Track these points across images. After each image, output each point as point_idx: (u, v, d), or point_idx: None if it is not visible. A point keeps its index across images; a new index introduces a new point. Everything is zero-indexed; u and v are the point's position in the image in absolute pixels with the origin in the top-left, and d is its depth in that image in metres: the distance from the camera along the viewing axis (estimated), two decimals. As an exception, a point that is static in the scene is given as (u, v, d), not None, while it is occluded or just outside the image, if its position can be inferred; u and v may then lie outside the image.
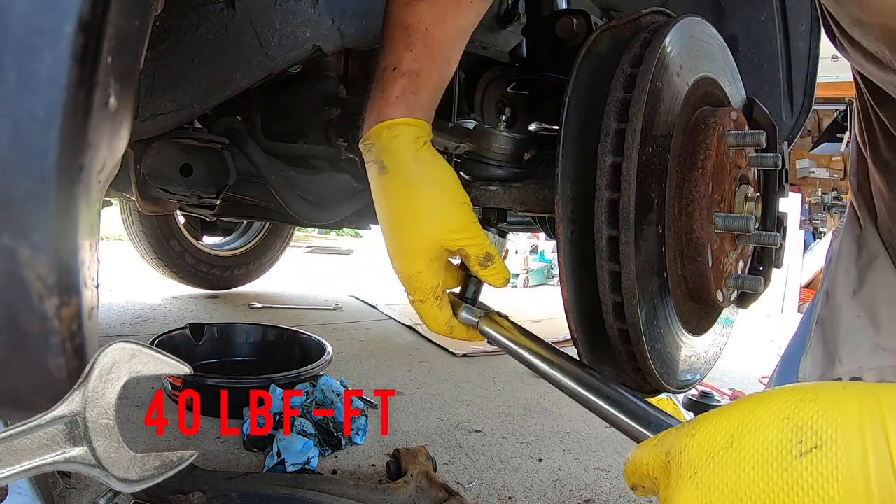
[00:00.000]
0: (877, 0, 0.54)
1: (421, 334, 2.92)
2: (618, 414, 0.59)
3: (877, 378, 0.72)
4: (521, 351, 0.67)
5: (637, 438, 0.55)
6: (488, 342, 0.72)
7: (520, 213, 0.81)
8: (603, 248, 0.67)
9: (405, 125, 0.64)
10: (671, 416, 0.54)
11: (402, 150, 0.63)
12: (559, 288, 0.72)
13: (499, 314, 0.73)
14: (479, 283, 0.74)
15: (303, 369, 1.79)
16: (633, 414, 0.58)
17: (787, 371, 0.81)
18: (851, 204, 0.87)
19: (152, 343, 1.85)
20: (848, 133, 5.93)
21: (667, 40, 0.70)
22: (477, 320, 0.72)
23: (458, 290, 0.74)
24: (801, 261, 4.91)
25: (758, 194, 0.83)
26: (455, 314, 0.71)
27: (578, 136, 0.71)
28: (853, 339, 0.75)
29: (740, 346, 2.97)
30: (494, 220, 0.79)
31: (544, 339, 0.69)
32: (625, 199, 0.65)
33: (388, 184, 0.64)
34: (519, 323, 0.72)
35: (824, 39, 0.80)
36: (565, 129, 0.70)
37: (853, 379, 0.73)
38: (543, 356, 0.66)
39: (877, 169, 0.79)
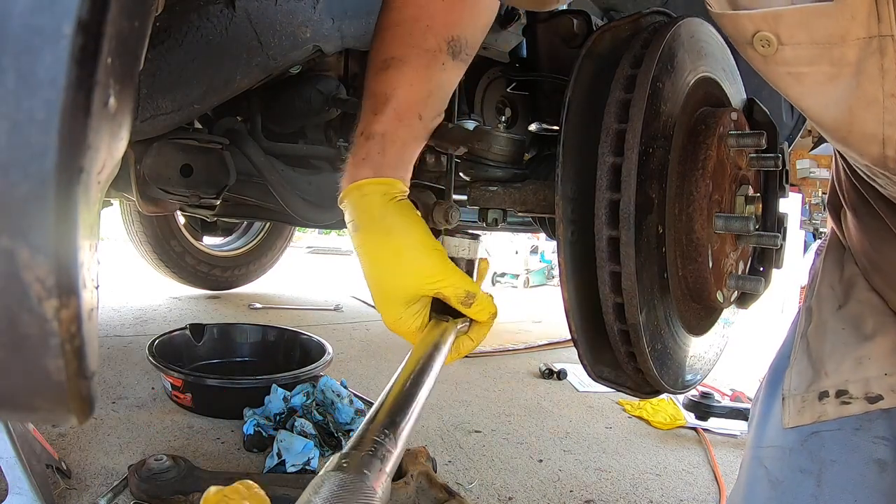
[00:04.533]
0: (857, 144, 0.57)
1: (421, 335, 2.92)
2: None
3: (862, 390, 0.72)
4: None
5: None
6: None
7: (520, 214, 0.81)
8: (603, 249, 0.67)
9: (371, 184, 0.67)
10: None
11: (370, 208, 0.66)
12: (559, 288, 0.72)
13: (457, 319, 0.70)
14: None
15: (303, 370, 1.79)
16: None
17: (775, 382, 0.82)
18: (833, 230, 0.88)
19: (152, 343, 1.85)
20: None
21: (667, 41, 0.70)
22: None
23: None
24: (802, 261, 4.91)
25: (758, 195, 0.83)
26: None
27: (579, 136, 0.71)
28: (838, 352, 0.76)
29: (741, 346, 2.97)
30: (497, 217, 0.78)
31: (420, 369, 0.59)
32: (625, 199, 0.65)
33: (362, 239, 0.67)
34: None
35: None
36: (565, 129, 0.70)
37: (839, 392, 0.73)
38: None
39: (847, 208, 0.81)
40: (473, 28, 0.74)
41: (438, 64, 0.70)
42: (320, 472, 0.37)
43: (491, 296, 0.72)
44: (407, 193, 0.69)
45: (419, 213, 0.69)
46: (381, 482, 0.37)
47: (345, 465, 0.37)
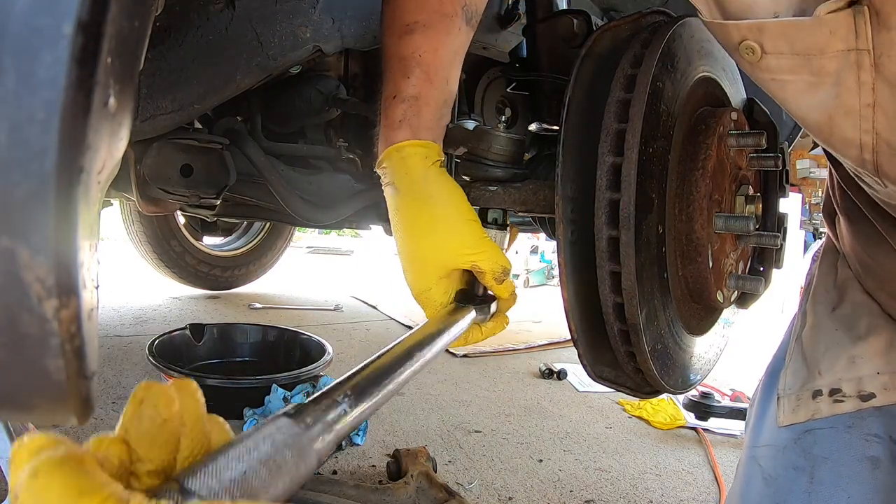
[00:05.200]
0: (838, 147, 0.59)
1: (421, 334, 2.92)
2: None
3: (855, 388, 0.73)
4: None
5: None
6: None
7: (520, 214, 0.81)
8: (603, 249, 0.67)
9: (411, 146, 0.66)
10: None
11: (411, 171, 0.65)
12: (559, 288, 0.72)
13: (478, 307, 0.69)
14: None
15: (303, 370, 1.79)
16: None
17: (770, 384, 0.82)
18: (828, 235, 0.89)
19: (152, 343, 1.85)
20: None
21: (667, 41, 0.70)
22: (485, 318, 0.71)
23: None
24: (802, 261, 4.91)
25: (758, 195, 0.83)
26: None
27: (579, 136, 0.71)
28: (831, 352, 0.76)
29: (741, 346, 2.97)
30: (497, 217, 0.78)
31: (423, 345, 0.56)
32: (625, 199, 0.65)
33: (400, 203, 0.66)
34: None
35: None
36: (565, 129, 0.70)
37: (832, 390, 0.74)
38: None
39: (840, 213, 0.81)
40: None
41: (456, 29, 0.71)
42: (274, 414, 0.37)
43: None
44: (443, 158, 0.69)
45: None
46: (322, 439, 0.37)
47: (292, 412, 0.37)
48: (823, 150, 0.75)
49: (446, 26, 0.70)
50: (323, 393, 0.41)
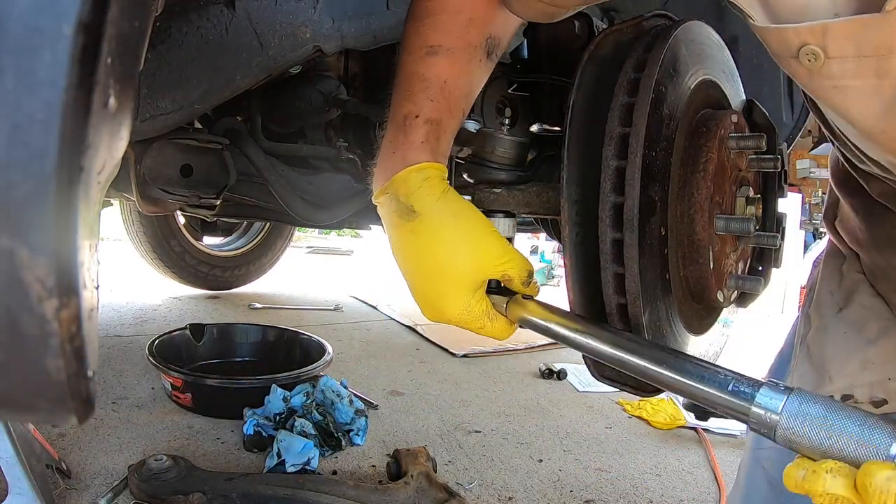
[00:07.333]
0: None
1: (421, 335, 2.92)
2: (678, 377, 0.57)
3: (868, 394, 0.72)
4: (559, 330, 0.65)
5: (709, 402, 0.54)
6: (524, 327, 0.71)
7: (523, 215, 0.81)
8: (607, 251, 0.67)
9: (433, 169, 0.65)
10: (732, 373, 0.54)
11: (433, 193, 0.64)
12: (560, 288, 0.72)
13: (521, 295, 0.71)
14: None
15: (303, 370, 1.79)
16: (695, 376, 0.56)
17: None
18: (830, 240, 0.88)
19: (152, 343, 1.85)
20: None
21: (669, 45, 0.70)
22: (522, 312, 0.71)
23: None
24: (801, 261, 4.91)
25: (758, 196, 0.83)
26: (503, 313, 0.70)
27: (582, 139, 0.71)
28: (841, 356, 0.75)
29: (740, 346, 2.97)
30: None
31: (571, 312, 0.66)
32: (629, 202, 0.65)
33: (420, 227, 0.64)
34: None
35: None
36: (570, 133, 0.70)
37: (844, 396, 0.73)
38: (580, 330, 0.64)
39: (854, 212, 0.80)
40: (506, 30, 0.73)
41: (477, 60, 0.70)
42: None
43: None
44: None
45: None
46: None
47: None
48: (840, 151, 0.73)
49: (469, 55, 0.69)
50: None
